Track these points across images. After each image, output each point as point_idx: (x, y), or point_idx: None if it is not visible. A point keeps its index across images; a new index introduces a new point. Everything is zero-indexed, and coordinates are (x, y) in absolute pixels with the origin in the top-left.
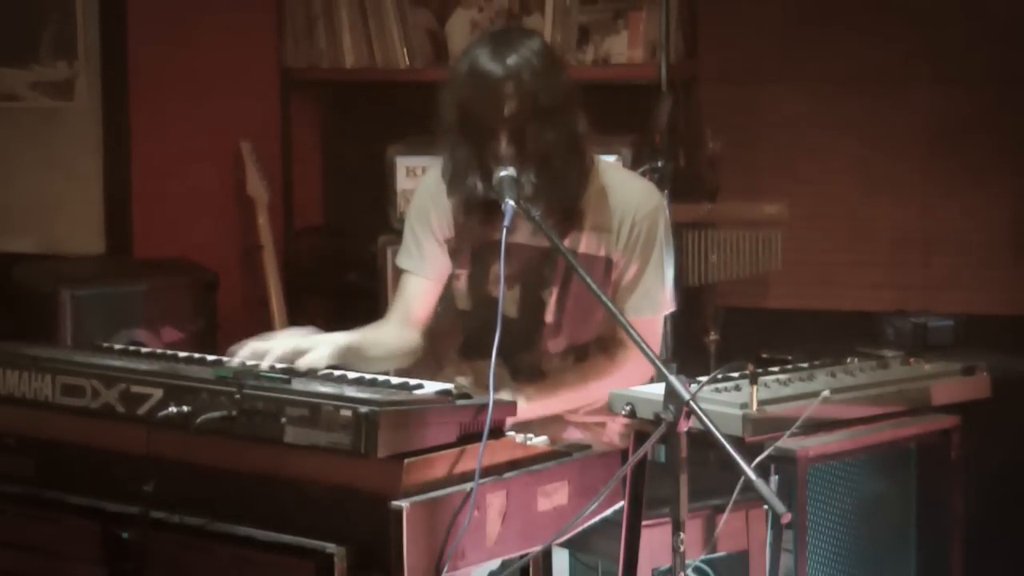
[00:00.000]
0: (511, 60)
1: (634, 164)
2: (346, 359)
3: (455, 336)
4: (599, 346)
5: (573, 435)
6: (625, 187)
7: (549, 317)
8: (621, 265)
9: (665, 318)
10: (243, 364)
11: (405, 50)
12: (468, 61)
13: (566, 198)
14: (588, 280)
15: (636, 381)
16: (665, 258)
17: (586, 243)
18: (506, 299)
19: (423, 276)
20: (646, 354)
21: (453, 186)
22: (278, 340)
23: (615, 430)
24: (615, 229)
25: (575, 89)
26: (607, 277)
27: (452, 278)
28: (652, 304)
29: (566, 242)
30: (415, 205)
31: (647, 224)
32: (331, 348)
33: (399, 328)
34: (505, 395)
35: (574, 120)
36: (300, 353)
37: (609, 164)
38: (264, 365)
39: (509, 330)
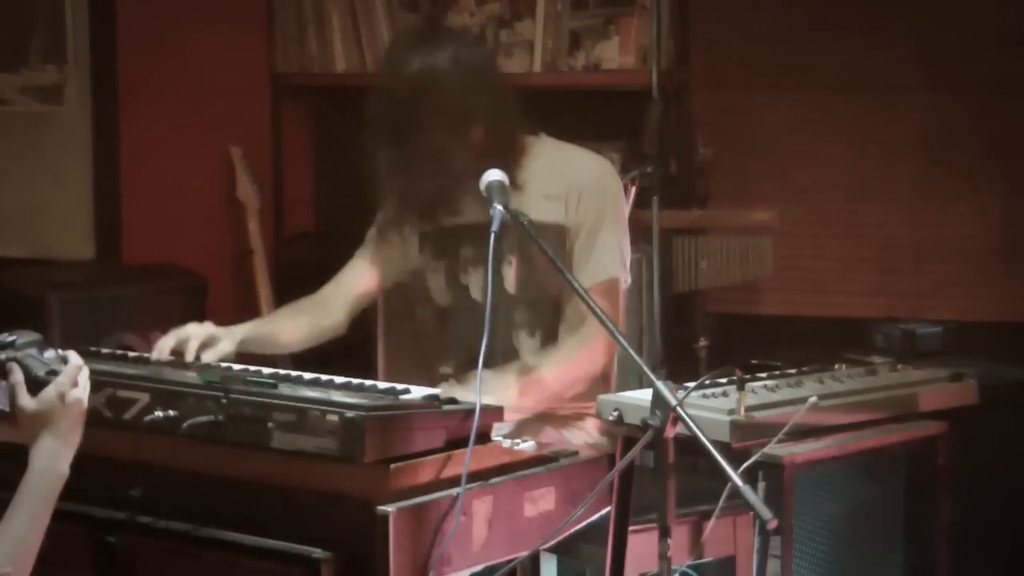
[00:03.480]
0: (420, 60)
1: (625, 170)
2: (245, 348)
3: (443, 343)
4: (567, 328)
5: (551, 436)
6: (574, 158)
7: (510, 288)
8: (573, 233)
9: (657, 322)
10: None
11: None
12: (385, 63)
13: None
14: (565, 271)
15: (609, 350)
16: (617, 224)
17: (541, 212)
18: (474, 284)
19: (362, 258)
20: (615, 336)
21: (393, 183)
22: (193, 327)
23: (594, 423)
24: (564, 197)
25: (491, 77)
26: (562, 246)
27: (429, 272)
28: (607, 268)
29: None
30: (383, 207)
31: (595, 190)
32: (231, 342)
33: (317, 312)
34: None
35: (489, 105)
36: (213, 340)
37: (557, 141)
38: (190, 351)
39: (480, 312)
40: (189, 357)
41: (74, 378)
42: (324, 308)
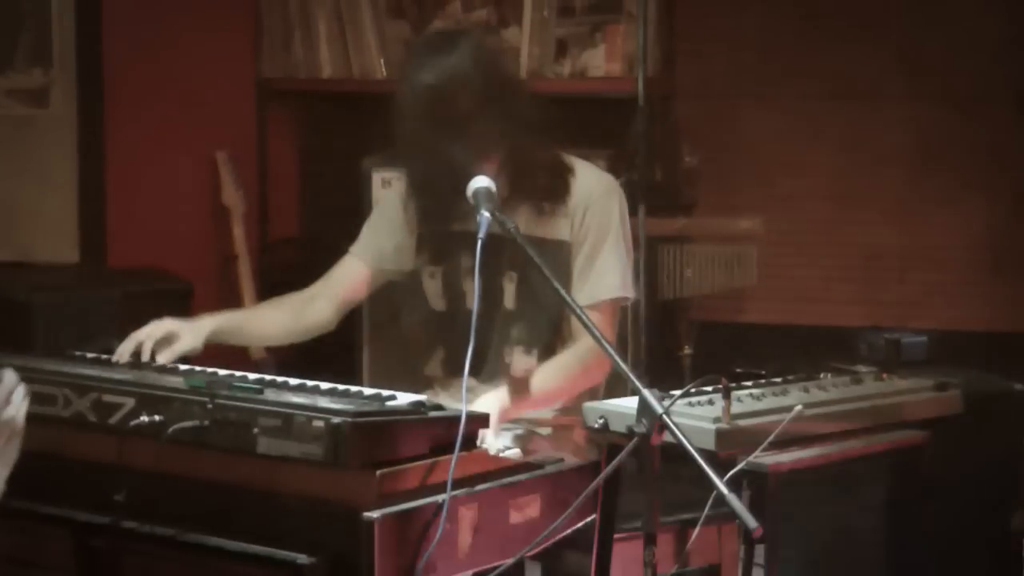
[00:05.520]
0: (445, 68)
1: None
2: (217, 340)
3: (432, 348)
4: (564, 347)
5: (541, 445)
6: (581, 174)
7: (509, 304)
8: (576, 250)
9: (642, 329)
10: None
11: (382, 61)
12: (406, 74)
13: (537, 186)
14: (552, 280)
15: (603, 367)
16: (621, 243)
17: (547, 229)
18: (470, 292)
19: (356, 256)
20: (607, 351)
21: (418, 192)
22: (151, 327)
23: (582, 433)
24: (570, 214)
25: (515, 81)
26: (566, 262)
27: (425, 276)
28: (607, 288)
29: (532, 226)
30: (382, 205)
31: (601, 208)
32: (196, 336)
33: (302, 307)
34: (487, 395)
35: (521, 111)
36: (172, 338)
37: (563, 154)
38: (144, 352)
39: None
40: (144, 358)
41: (8, 396)
42: (310, 305)
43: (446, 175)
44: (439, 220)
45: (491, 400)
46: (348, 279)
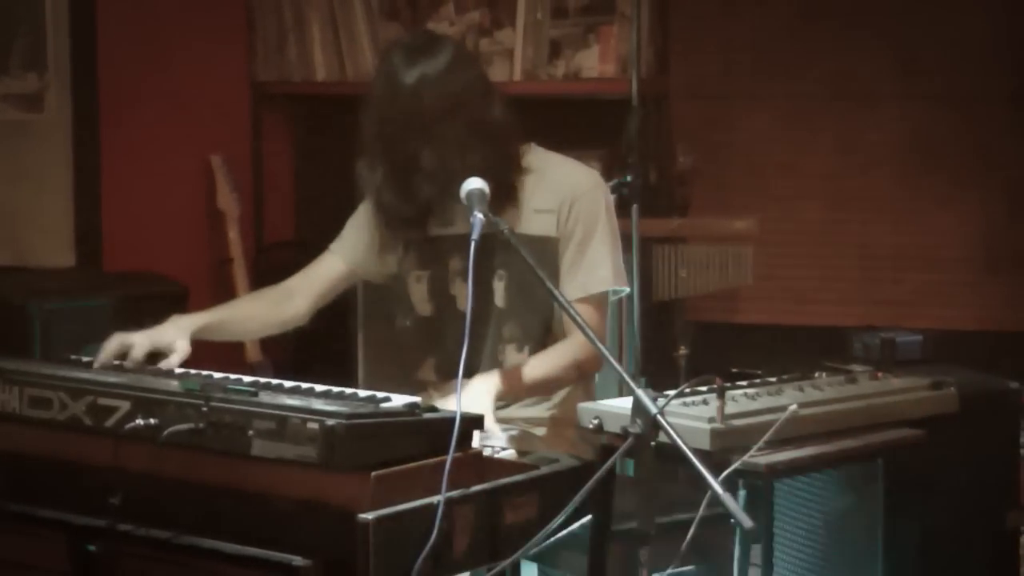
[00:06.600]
0: (418, 70)
1: (605, 179)
2: (200, 337)
3: (425, 351)
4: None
5: (536, 445)
6: (566, 171)
7: (499, 303)
8: (563, 245)
9: (637, 330)
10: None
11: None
12: (380, 75)
13: (496, 184)
14: (546, 281)
15: (595, 359)
16: (610, 236)
17: (534, 225)
18: (462, 295)
19: (336, 253)
20: (602, 352)
21: (385, 194)
22: (139, 335)
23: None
24: (557, 209)
25: (485, 84)
26: (554, 259)
27: (411, 280)
28: (597, 282)
29: (512, 222)
30: (366, 203)
31: (588, 201)
32: (183, 339)
33: (279, 301)
34: (478, 378)
35: (487, 112)
36: (167, 350)
37: (547, 151)
38: (129, 360)
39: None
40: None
41: None
42: (286, 299)
43: (428, 179)
44: (416, 226)
45: (483, 384)
46: (325, 276)
